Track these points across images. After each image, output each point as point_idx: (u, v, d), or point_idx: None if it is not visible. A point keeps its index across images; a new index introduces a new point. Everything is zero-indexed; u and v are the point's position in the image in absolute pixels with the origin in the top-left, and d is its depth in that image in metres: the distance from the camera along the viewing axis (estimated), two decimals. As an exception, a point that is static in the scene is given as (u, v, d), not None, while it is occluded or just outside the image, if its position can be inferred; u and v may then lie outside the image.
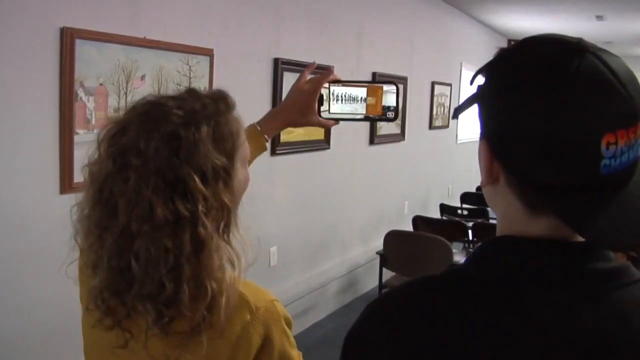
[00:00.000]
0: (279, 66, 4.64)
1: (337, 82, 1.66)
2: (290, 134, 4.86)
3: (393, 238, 4.95)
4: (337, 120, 1.65)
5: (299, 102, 1.65)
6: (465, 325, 0.83)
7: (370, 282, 6.16)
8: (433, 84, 7.94)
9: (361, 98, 1.62)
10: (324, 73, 1.67)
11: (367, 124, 6.20)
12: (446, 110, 8.49)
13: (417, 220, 5.76)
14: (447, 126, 8.57)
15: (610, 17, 8.30)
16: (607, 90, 0.78)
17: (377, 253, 5.10)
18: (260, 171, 4.57)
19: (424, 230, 5.53)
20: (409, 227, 5.81)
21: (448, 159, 8.84)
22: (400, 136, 6.98)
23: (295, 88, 1.67)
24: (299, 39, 4.94)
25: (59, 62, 3.03)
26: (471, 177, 9.47)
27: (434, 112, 8.04)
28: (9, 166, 2.88)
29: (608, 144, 0.77)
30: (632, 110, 0.78)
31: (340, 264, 5.88)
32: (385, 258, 4.96)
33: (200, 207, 1.08)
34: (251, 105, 4.67)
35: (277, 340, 1.21)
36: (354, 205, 6.10)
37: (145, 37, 3.48)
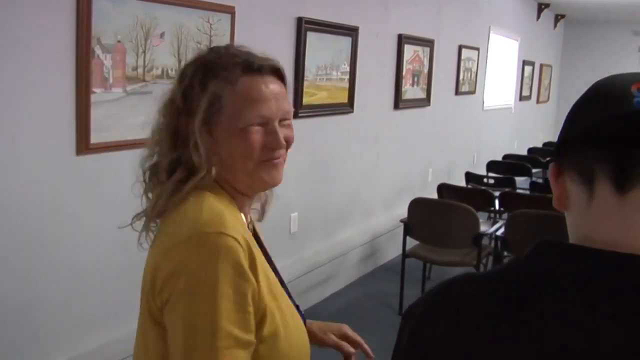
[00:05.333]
0: (302, 25, 4.47)
1: None
2: (312, 97, 4.72)
3: (418, 206, 4.79)
4: None
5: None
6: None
7: (392, 251, 6.03)
8: (460, 47, 7.72)
9: None
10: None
11: (391, 87, 6.04)
12: (473, 75, 8.28)
13: (442, 189, 5.60)
14: (473, 92, 8.37)
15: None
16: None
17: (400, 221, 4.96)
18: (282, 135, 4.44)
19: (449, 198, 5.37)
20: (433, 195, 5.66)
21: (474, 125, 8.63)
22: (426, 101, 6.79)
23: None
24: (324, -3, 4.76)
25: (75, 17, 2.90)
26: (497, 145, 9.28)
27: (461, 77, 7.83)
28: (23, 126, 2.77)
29: (638, 89, 0.83)
30: None
31: (362, 232, 5.76)
32: (409, 226, 4.82)
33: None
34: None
35: (193, 272, 1.19)
36: (377, 171, 5.96)
37: (164, -7, 3.33)
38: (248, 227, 1.41)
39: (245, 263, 1.21)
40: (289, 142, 1.37)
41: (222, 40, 3.73)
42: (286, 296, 1.40)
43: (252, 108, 1.30)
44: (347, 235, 5.55)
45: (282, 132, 1.34)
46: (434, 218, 4.75)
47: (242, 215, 1.39)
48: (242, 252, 1.21)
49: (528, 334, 0.80)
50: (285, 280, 4.84)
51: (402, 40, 6.06)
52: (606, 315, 0.77)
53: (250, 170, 1.33)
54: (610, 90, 0.86)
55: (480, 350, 0.83)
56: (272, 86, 1.34)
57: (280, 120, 1.35)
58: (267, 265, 1.34)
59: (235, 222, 1.27)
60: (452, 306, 0.89)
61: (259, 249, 1.33)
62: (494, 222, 5.32)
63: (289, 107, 1.38)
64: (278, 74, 1.37)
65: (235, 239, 1.20)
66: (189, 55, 3.50)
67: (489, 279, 0.91)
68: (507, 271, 0.90)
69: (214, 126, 1.30)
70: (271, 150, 1.33)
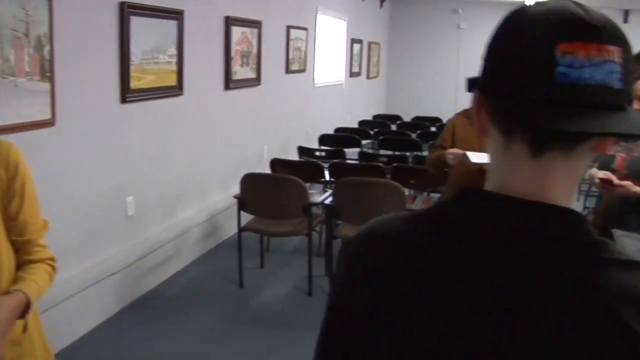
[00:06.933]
0: (125, 10, 4.48)
1: None
2: (140, 81, 4.75)
3: (249, 181, 4.97)
4: None
5: None
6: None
7: (232, 228, 6.17)
8: (288, 28, 7.95)
9: None
10: None
11: (221, 69, 6.17)
12: (303, 54, 8.54)
13: (275, 163, 5.82)
14: (304, 70, 8.64)
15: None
16: (561, 7, 0.85)
17: (234, 197, 5.13)
18: (109, 120, 4.46)
19: (282, 173, 5.59)
20: (269, 171, 5.86)
21: (306, 102, 8.92)
22: (256, 80, 6.98)
23: None
24: (145, -19, 4.79)
25: None
26: (330, 119, 9.62)
27: (290, 56, 8.08)
28: None
29: (564, 52, 0.81)
30: (589, 24, 0.82)
31: (200, 210, 5.88)
32: (243, 202, 4.99)
33: None
34: (96, 55, 4.50)
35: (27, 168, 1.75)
36: (212, 151, 6.08)
37: (-27, -20, 3.27)
38: None
39: None
40: None
41: (40, 28, 3.70)
42: None
43: None
44: (186, 214, 5.65)
45: None
46: (266, 192, 4.95)
47: None
48: None
49: (446, 269, 0.89)
50: (126, 263, 4.89)
51: (229, 22, 6.19)
52: (513, 254, 0.85)
53: None
54: (531, 44, 0.84)
55: (404, 278, 0.92)
56: None
57: None
58: None
59: None
60: (381, 240, 0.97)
61: None
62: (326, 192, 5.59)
63: None
64: None
65: None
66: (6, 44, 3.47)
67: (415, 219, 0.97)
68: (432, 212, 0.96)
69: None
70: None
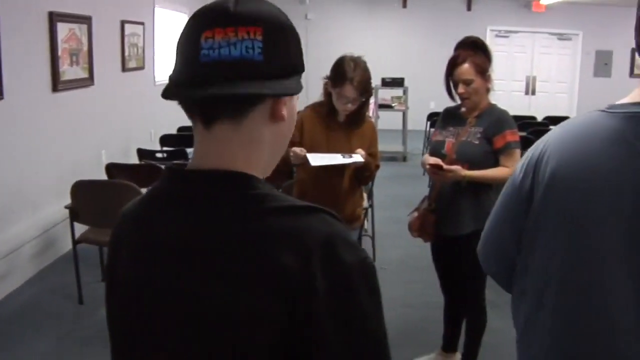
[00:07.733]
0: None
1: None
2: (-52, 86, 4.28)
3: (80, 189, 4.57)
4: None
5: None
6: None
7: (69, 241, 5.73)
8: (123, 22, 7.53)
9: None
10: None
11: (47, 69, 5.70)
12: (140, 50, 8.14)
13: (111, 168, 5.43)
14: (142, 67, 8.24)
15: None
16: (219, 2, 1.05)
17: (65, 207, 4.73)
18: None
19: (119, 177, 5.22)
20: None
21: (147, 101, 8.49)
22: (89, 80, 6.53)
23: None
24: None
25: None
26: (173, 118, 9.23)
27: (126, 53, 7.66)
28: None
29: (206, 38, 1.02)
30: (229, 13, 1.02)
31: (31, 225, 5.39)
32: (76, 211, 4.61)
33: None
34: None
35: None
36: (42, 160, 5.61)
37: None
38: None
39: None
40: None
41: None
42: None
43: None
44: (16, 231, 5.17)
45: None
46: (99, 200, 4.58)
47: None
48: None
49: (148, 233, 1.09)
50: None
51: (53, 18, 5.73)
52: (191, 214, 1.04)
53: None
54: (185, 37, 1.06)
55: (126, 246, 1.13)
56: None
57: None
58: None
59: None
60: (122, 217, 1.18)
61: None
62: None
63: None
64: None
65: None
66: None
67: (142, 196, 1.17)
68: (150, 189, 1.15)
69: None
70: None
